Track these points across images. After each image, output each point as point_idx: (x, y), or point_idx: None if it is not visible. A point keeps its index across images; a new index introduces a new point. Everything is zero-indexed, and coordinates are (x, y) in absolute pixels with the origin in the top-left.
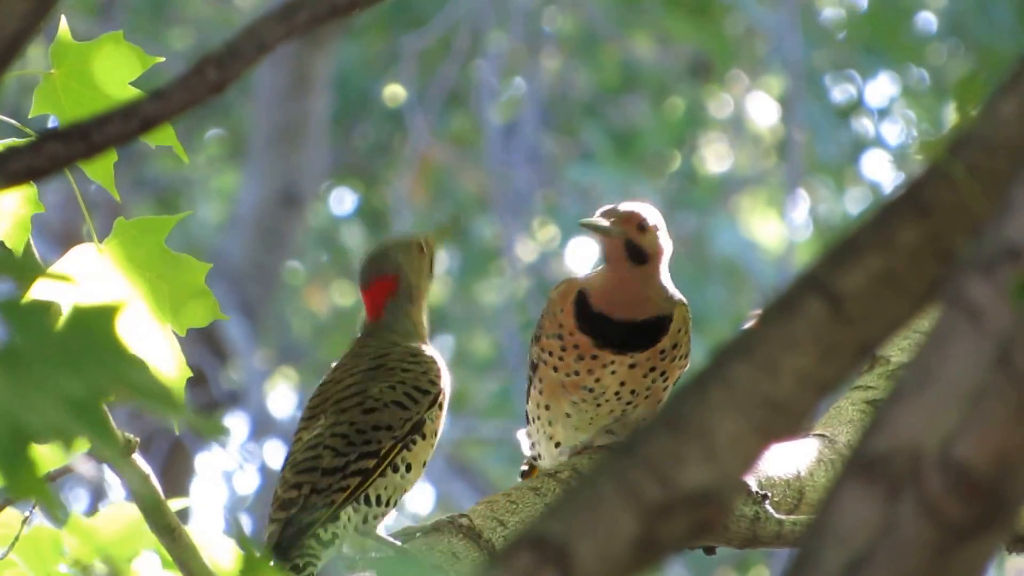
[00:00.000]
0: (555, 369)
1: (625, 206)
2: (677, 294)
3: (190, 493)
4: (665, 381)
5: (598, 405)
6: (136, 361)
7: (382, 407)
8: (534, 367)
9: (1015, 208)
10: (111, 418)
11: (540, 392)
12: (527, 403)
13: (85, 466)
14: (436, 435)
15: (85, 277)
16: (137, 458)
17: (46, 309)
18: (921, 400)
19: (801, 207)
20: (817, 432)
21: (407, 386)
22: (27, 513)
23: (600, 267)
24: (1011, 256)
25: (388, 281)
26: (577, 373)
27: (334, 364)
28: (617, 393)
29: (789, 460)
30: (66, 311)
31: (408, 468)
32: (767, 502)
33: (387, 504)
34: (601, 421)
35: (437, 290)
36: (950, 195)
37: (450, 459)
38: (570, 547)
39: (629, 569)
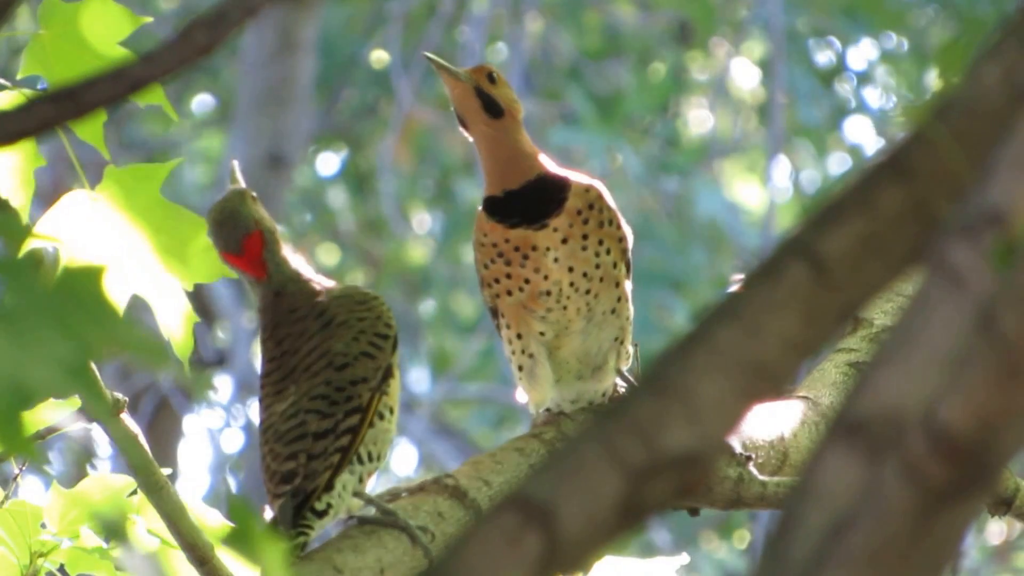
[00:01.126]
0: (508, 293)
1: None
2: (565, 172)
3: (177, 453)
4: (610, 255)
5: (564, 308)
6: (124, 317)
7: (353, 361)
8: (494, 312)
9: (997, 173)
10: (99, 378)
11: (508, 327)
12: (507, 356)
13: (73, 425)
14: (398, 369)
15: (79, 227)
16: (125, 417)
17: (36, 265)
18: (904, 363)
19: (783, 171)
20: (801, 394)
21: (368, 335)
22: (11, 484)
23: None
24: (993, 221)
25: (255, 236)
26: (527, 282)
27: (267, 341)
28: (572, 284)
29: (773, 422)
30: (57, 265)
31: (391, 411)
32: (751, 464)
33: (378, 458)
34: (576, 326)
35: (421, 251)
36: (933, 160)
37: (433, 419)
38: (555, 508)
39: (613, 530)
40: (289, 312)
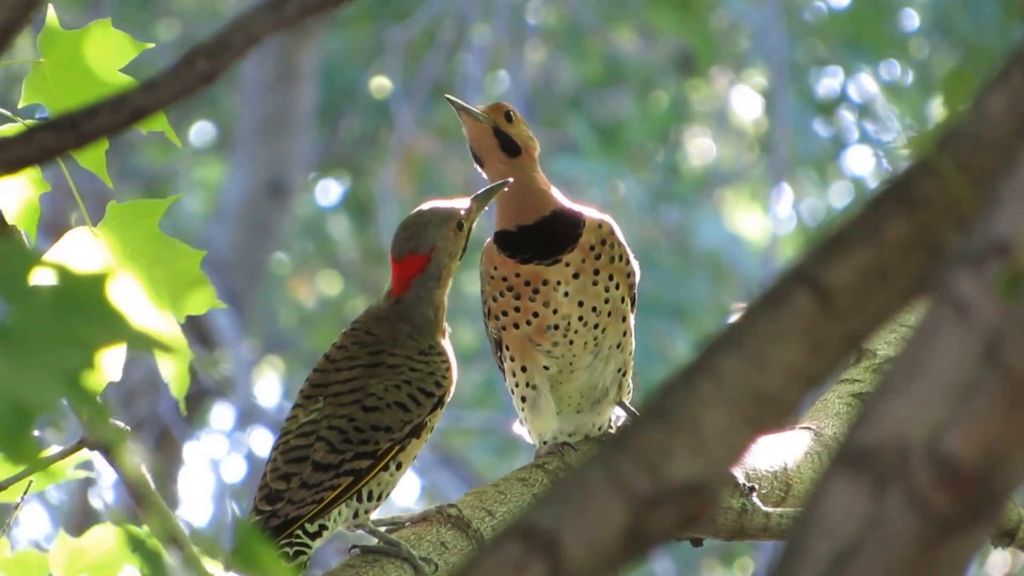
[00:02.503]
0: (515, 326)
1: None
2: (579, 207)
3: (178, 481)
4: (619, 290)
5: (571, 343)
6: (128, 319)
7: (384, 407)
8: (497, 344)
9: (1003, 203)
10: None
11: (512, 359)
12: (509, 387)
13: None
14: (431, 431)
15: (80, 262)
16: (131, 446)
17: (38, 290)
18: (909, 393)
19: (785, 201)
20: (804, 425)
21: (412, 387)
22: (12, 513)
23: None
24: (999, 251)
25: (419, 259)
26: (536, 315)
27: (340, 341)
28: (581, 318)
29: (776, 453)
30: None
31: (399, 466)
32: (754, 494)
33: (378, 499)
34: (582, 361)
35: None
36: (938, 190)
37: (436, 449)
38: (559, 537)
39: (617, 560)
40: (366, 332)
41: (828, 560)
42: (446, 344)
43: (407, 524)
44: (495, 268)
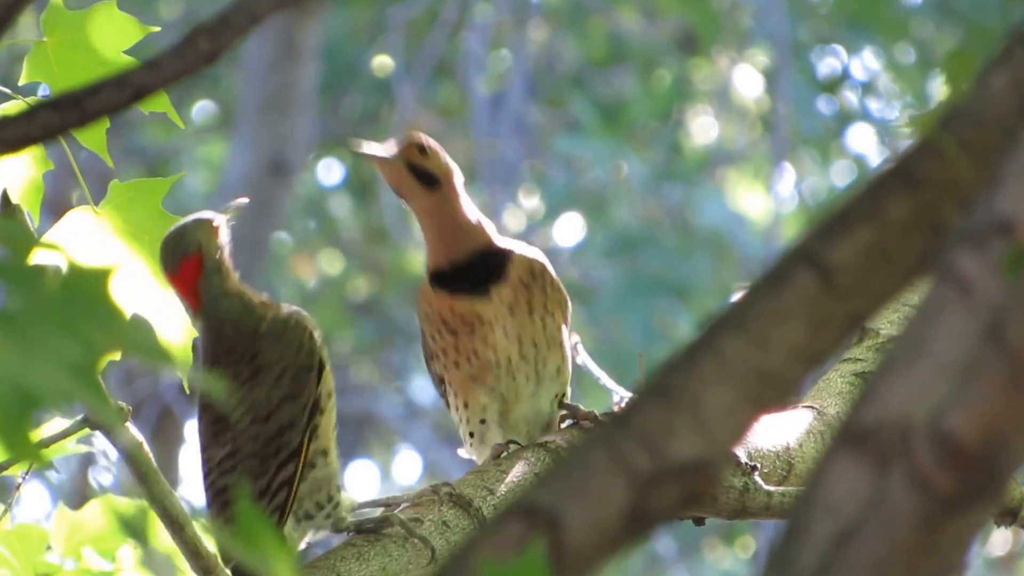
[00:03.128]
0: (456, 365)
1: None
2: (505, 241)
3: (179, 459)
4: (554, 319)
5: (513, 378)
6: (131, 320)
7: (275, 409)
8: (440, 380)
9: (1006, 182)
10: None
11: (456, 395)
12: (455, 420)
13: (77, 434)
14: (331, 397)
15: (83, 242)
16: (130, 426)
17: (41, 272)
18: (911, 373)
19: (787, 180)
20: (806, 404)
21: (288, 374)
22: (14, 493)
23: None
24: (1002, 230)
25: (192, 259)
26: (476, 353)
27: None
28: (522, 354)
29: (778, 432)
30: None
31: (325, 454)
32: (756, 473)
33: (329, 501)
34: (524, 392)
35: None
36: (941, 169)
37: (437, 428)
38: (561, 516)
39: (619, 539)
40: (226, 353)
41: (830, 539)
42: (288, 310)
43: (405, 504)
44: (429, 306)
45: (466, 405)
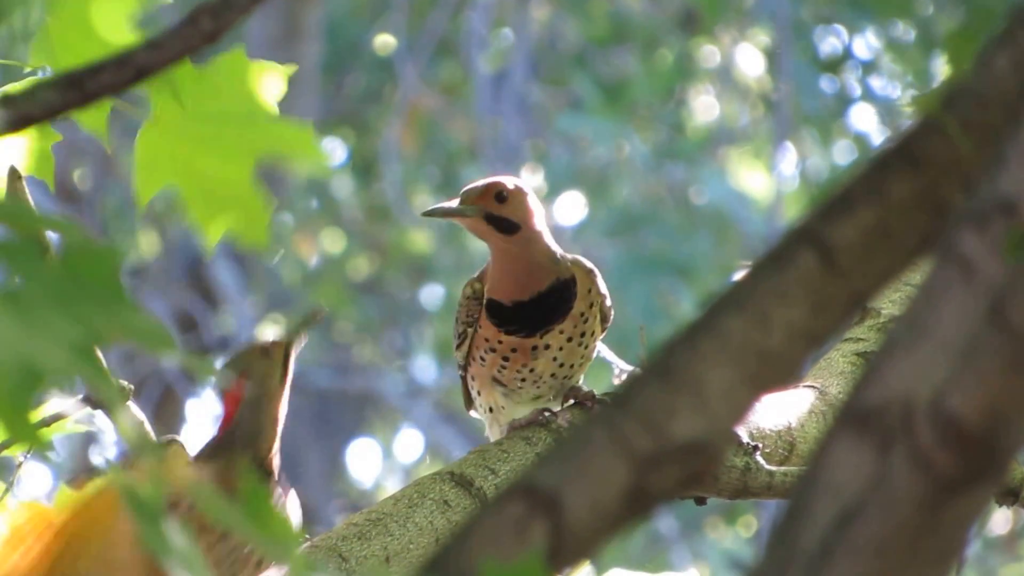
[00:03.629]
0: (482, 360)
1: (482, 181)
2: (564, 253)
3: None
4: (594, 336)
5: (537, 387)
6: (132, 303)
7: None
8: (460, 365)
9: (1009, 162)
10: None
11: (473, 379)
12: (472, 394)
13: (77, 413)
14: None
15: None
16: (132, 405)
17: (43, 251)
18: (913, 353)
19: (789, 159)
20: (808, 383)
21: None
22: (15, 472)
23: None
24: (1004, 210)
25: (236, 387)
26: (507, 360)
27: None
28: (553, 374)
29: (780, 412)
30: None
31: None
32: (758, 453)
33: None
34: (544, 396)
35: (426, 238)
36: (943, 149)
37: (439, 407)
38: (561, 496)
39: (620, 519)
40: (207, 460)
41: (831, 520)
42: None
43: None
44: (480, 327)
45: (479, 393)
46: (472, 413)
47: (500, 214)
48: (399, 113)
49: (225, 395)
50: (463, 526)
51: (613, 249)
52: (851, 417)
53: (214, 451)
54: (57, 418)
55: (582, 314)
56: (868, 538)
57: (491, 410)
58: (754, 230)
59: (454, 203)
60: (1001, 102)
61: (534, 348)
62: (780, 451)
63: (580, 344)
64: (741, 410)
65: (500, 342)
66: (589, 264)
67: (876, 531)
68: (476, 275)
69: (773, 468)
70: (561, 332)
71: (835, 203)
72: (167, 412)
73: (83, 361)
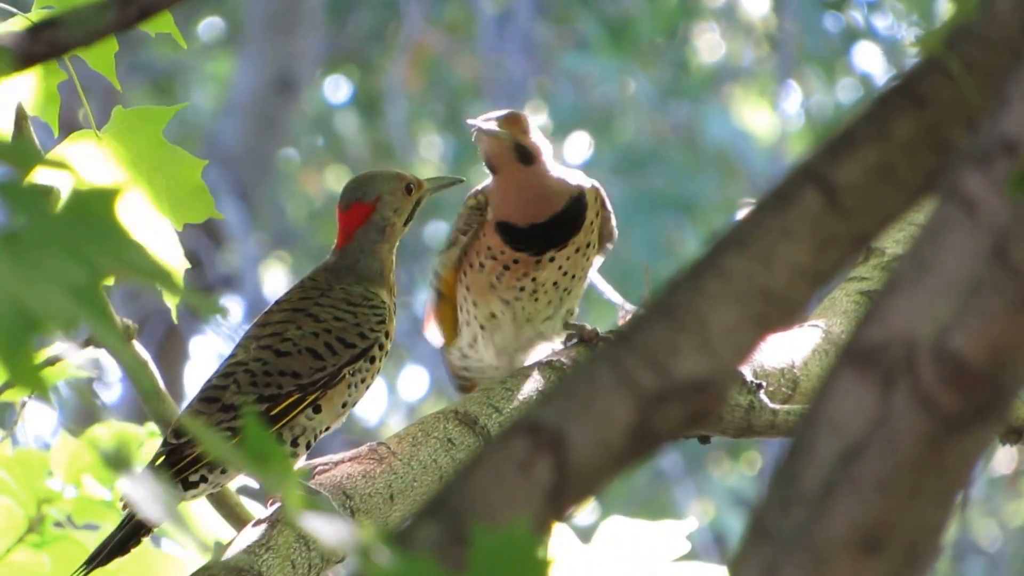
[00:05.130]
0: (481, 266)
1: (500, 112)
2: (580, 178)
3: (184, 376)
4: (593, 248)
5: (535, 300)
6: (135, 244)
7: (295, 353)
8: (451, 243)
9: (1011, 102)
10: (109, 303)
11: (468, 288)
12: (462, 314)
13: (80, 352)
14: (364, 385)
15: (83, 165)
16: (135, 344)
17: (46, 192)
18: (916, 292)
19: (793, 98)
20: (812, 322)
21: (331, 336)
22: (19, 411)
23: (490, 182)
24: (1007, 149)
25: (364, 207)
26: (507, 269)
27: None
28: (556, 283)
29: (784, 350)
30: (65, 194)
31: (317, 409)
32: (762, 392)
33: (296, 445)
34: (540, 316)
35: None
36: (946, 89)
37: None
38: (565, 434)
39: (624, 457)
40: (310, 279)
41: (835, 457)
42: (385, 300)
43: (336, 464)
44: (484, 234)
45: (476, 304)
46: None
47: (523, 143)
48: (404, 51)
49: (353, 207)
50: (467, 464)
51: (618, 188)
52: (854, 356)
53: (333, 268)
54: (59, 359)
55: (591, 223)
56: (870, 476)
57: (483, 327)
58: (758, 168)
59: (492, 126)
60: (1004, 43)
61: (537, 262)
62: (784, 389)
63: (585, 257)
64: (745, 349)
65: (503, 252)
66: (595, 183)
67: (878, 469)
68: (480, 187)
69: (777, 406)
70: (561, 254)
71: (838, 142)
72: (171, 351)
73: (84, 303)
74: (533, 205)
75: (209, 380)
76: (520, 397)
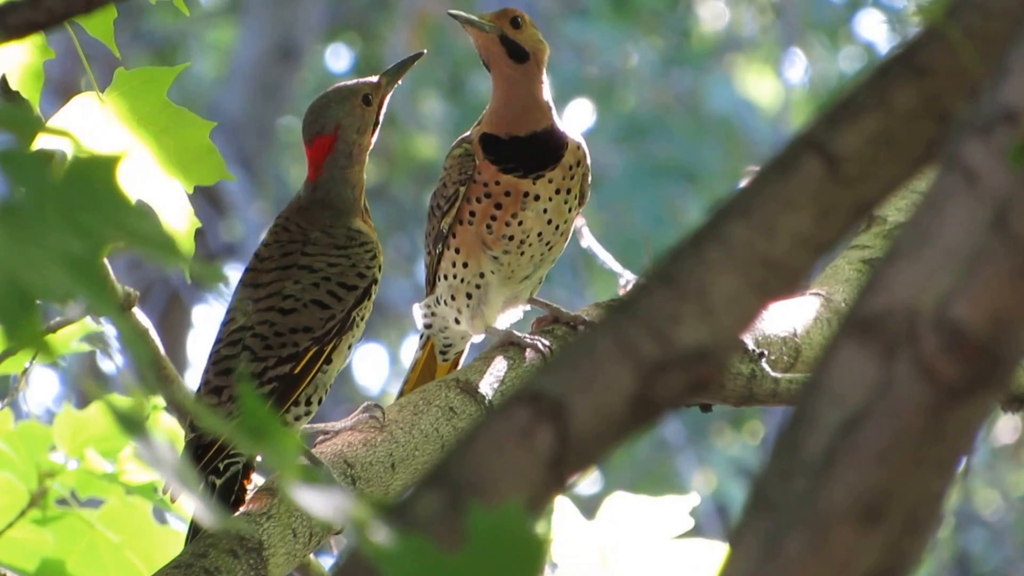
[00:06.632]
0: (470, 223)
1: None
2: (564, 126)
3: (187, 345)
4: (574, 208)
5: (521, 254)
6: (138, 210)
7: (301, 307)
8: (439, 237)
9: (1012, 72)
10: (111, 271)
11: (457, 251)
12: (433, 272)
13: (82, 320)
14: (363, 321)
15: (87, 128)
16: (136, 312)
17: (47, 160)
18: (917, 261)
19: (796, 66)
20: (814, 291)
21: (331, 283)
22: (21, 377)
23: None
24: (1008, 119)
25: (327, 139)
26: (493, 219)
27: (266, 236)
28: (540, 234)
29: (786, 318)
30: (67, 162)
31: (329, 361)
32: (763, 360)
33: (308, 403)
34: (522, 272)
35: (432, 144)
36: (947, 58)
37: None
38: (567, 403)
39: (626, 426)
40: (284, 229)
41: (836, 426)
42: (364, 229)
43: (337, 433)
44: (479, 172)
45: (466, 265)
46: (416, 307)
47: (514, 38)
48: (406, 19)
49: (315, 141)
50: (468, 433)
51: (621, 156)
52: (855, 325)
53: (306, 205)
54: (61, 326)
55: (570, 167)
56: (872, 445)
57: (469, 296)
58: (761, 137)
59: (474, 17)
60: (1005, 12)
61: (525, 195)
62: (785, 358)
63: (565, 203)
64: (746, 317)
65: (497, 183)
66: (579, 136)
67: (880, 438)
68: (466, 134)
69: (778, 375)
70: (551, 181)
71: (840, 111)
72: (173, 319)
73: (82, 276)
74: (519, 112)
75: (215, 350)
76: (522, 366)
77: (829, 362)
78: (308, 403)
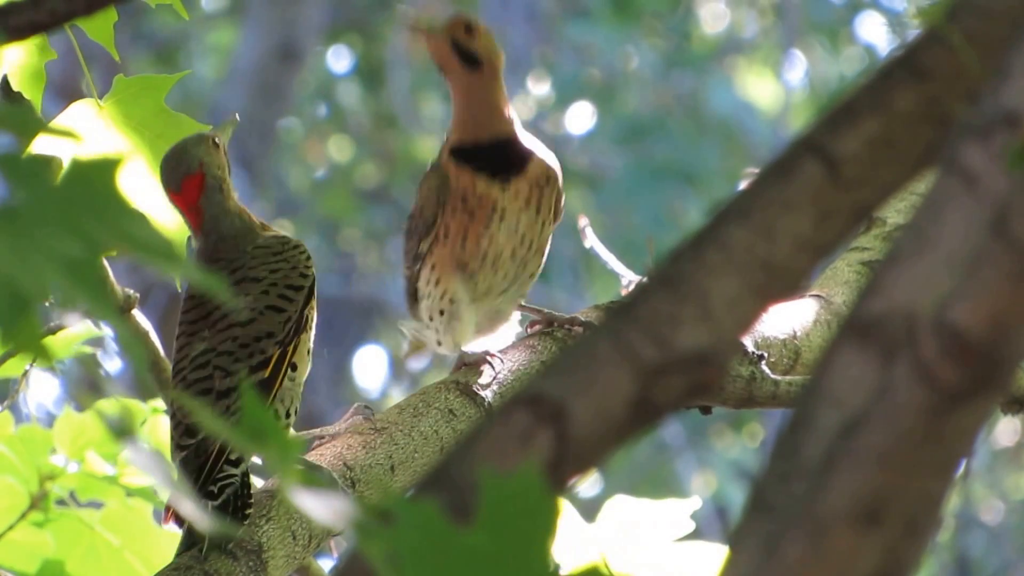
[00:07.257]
0: (447, 243)
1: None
2: (528, 139)
3: None
4: (549, 228)
5: (495, 272)
6: (137, 215)
7: (259, 315)
8: (417, 258)
9: (1012, 75)
10: (110, 273)
11: (433, 267)
12: (424, 302)
13: (82, 323)
14: (313, 321)
15: (85, 133)
16: (137, 314)
17: (46, 164)
18: (916, 264)
19: (797, 68)
20: (813, 293)
21: (279, 287)
22: (21, 380)
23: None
24: (1008, 122)
25: (195, 177)
26: (476, 240)
27: (188, 294)
28: (513, 252)
29: (785, 321)
30: (66, 165)
31: (294, 368)
32: (763, 362)
33: (287, 416)
34: (497, 288)
35: (432, 145)
36: (947, 61)
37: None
38: (566, 406)
39: (625, 428)
40: (214, 260)
41: (835, 430)
42: (284, 235)
43: (329, 438)
44: (454, 180)
45: (438, 283)
46: (401, 325)
47: (466, 45)
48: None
49: (184, 183)
50: (468, 435)
51: (621, 158)
52: (855, 328)
53: (213, 246)
54: (60, 328)
55: (538, 180)
56: (871, 448)
57: (442, 312)
58: (761, 139)
59: (422, 25)
60: (1006, 15)
61: (493, 209)
62: (785, 360)
63: (538, 219)
64: (746, 320)
65: (472, 186)
66: (550, 155)
67: (879, 441)
68: (435, 158)
69: (778, 377)
70: (517, 195)
71: (840, 114)
72: (174, 320)
73: (80, 281)
74: (479, 120)
75: (178, 378)
76: (521, 369)
77: (828, 365)
78: (287, 416)
